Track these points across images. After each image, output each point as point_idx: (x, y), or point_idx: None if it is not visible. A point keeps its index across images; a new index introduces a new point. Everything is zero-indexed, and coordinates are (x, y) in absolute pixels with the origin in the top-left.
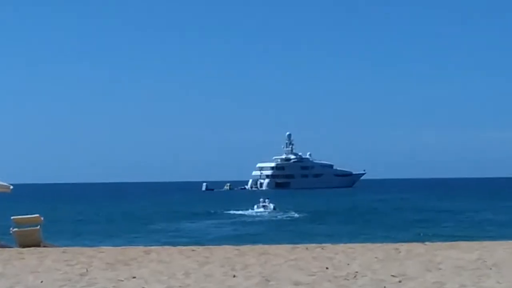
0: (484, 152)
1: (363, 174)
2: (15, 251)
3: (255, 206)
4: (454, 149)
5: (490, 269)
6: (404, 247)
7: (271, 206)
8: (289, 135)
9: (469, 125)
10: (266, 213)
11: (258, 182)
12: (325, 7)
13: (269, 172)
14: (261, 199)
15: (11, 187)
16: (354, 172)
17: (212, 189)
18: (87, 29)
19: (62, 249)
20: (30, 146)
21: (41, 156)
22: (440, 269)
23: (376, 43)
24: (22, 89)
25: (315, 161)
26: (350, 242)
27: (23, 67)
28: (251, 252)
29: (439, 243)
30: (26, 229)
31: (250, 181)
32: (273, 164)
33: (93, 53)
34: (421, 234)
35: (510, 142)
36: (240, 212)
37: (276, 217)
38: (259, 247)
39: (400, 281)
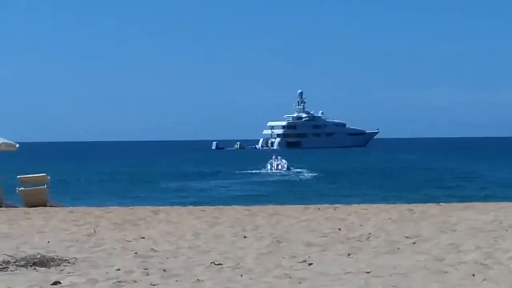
0: (502, 113)
1: (376, 133)
2: (21, 210)
3: (268, 164)
4: (471, 108)
5: (507, 230)
6: (418, 208)
7: (285, 164)
8: (301, 93)
9: (484, 85)
10: (281, 171)
11: (269, 141)
12: None
13: (280, 131)
14: (273, 156)
15: (17, 145)
16: (367, 131)
17: (223, 148)
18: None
19: (69, 209)
20: (36, 103)
21: (48, 114)
22: (455, 230)
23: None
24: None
25: (327, 120)
26: (363, 202)
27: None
28: (261, 213)
29: (454, 204)
30: (32, 188)
31: (261, 140)
32: (284, 123)
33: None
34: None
35: None
36: (250, 171)
37: (287, 176)
38: (270, 208)
39: (414, 243)
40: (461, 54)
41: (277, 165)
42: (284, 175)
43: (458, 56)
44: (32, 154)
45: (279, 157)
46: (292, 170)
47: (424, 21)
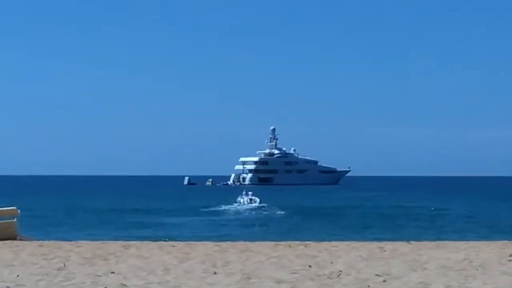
0: (471, 151)
1: (348, 171)
2: None
3: (239, 199)
4: (440, 147)
5: (477, 269)
6: (388, 246)
7: (257, 199)
8: (273, 130)
9: (454, 123)
10: (251, 207)
11: (241, 177)
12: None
13: (252, 167)
14: (243, 192)
15: None
16: (339, 169)
17: (195, 183)
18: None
19: (39, 242)
20: (5, 138)
21: (17, 147)
22: (425, 269)
23: (362, 36)
24: None
25: (299, 157)
26: (334, 240)
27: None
28: (232, 249)
29: (424, 242)
30: (2, 221)
31: (233, 175)
32: (256, 159)
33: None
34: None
35: (493, 142)
36: (222, 207)
37: (258, 213)
38: (241, 244)
39: (384, 281)
40: (432, 92)
41: (250, 200)
42: (255, 211)
43: (429, 94)
44: (2, 187)
45: (249, 193)
46: (263, 206)
47: (393, 59)
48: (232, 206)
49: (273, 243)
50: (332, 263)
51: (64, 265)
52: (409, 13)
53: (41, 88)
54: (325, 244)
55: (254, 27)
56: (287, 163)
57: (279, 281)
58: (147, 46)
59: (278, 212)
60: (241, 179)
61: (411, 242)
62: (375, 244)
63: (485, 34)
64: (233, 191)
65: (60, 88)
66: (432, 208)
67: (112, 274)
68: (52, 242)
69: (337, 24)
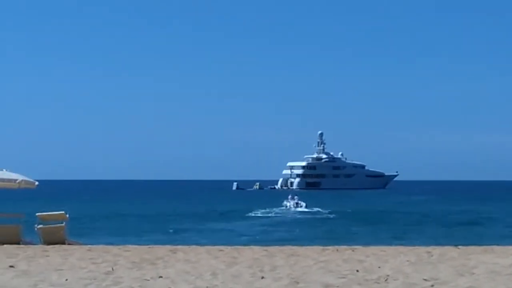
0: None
1: (396, 175)
2: (39, 248)
3: (286, 203)
4: (491, 151)
5: None
6: (436, 250)
7: (303, 203)
8: (321, 134)
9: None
10: (298, 210)
11: (289, 182)
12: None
13: (300, 171)
14: (289, 196)
15: (37, 183)
16: (386, 173)
17: (243, 189)
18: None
19: (87, 247)
20: (57, 143)
21: (69, 153)
22: (473, 273)
23: (408, 42)
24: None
25: (347, 161)
26: (382, 244)
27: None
28: (279, 253)
29: (472, 247)
30: (51, 226)
31: (281, 180)
32: (304, 163)
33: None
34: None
35: None
36: (271, 211)
37: (306, 217)
38: (288, 248)
39: (432, 285)
40: (480, 96)
41: (296, 204)
42: (302, 215)
43: (479, 99)
44: (51, 192)
45: (295, 197)
46: (310, 210)
47: (444, 63)
48: (279, 210)
49: (321, 247)
50: (379, 267)
51: (112, 269)
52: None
53: (67, 89)
54: (372, 249)
55: (304, 32)
56: (335, 168)
57: (326, 286)
58: (206, 48)
59: (326, 216)
60: (288, 184)
61: (459, 246)
62: (423, 248)
63: None
64: (280, 195)
65: (89, 90)
66: (479, 213)
67: (160, 279)
68: (100, 247)
69: (384, 23)
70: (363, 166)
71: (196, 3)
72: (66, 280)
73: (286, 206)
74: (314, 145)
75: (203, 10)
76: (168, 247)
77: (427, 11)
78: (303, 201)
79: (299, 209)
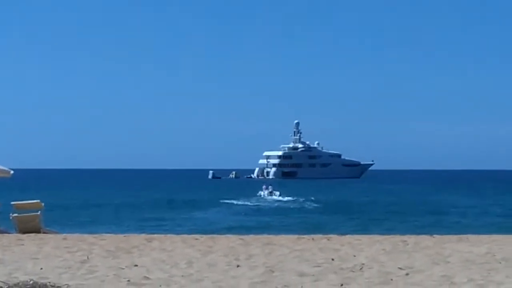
0: (497, 146)
1: (371, 164)
2: (14, 237)
3: (260, 192)
4: (464, 141)
5: (500, 263)
6: (411, 239)
7: (277, 192)
8: (297, 124)
9: (478, 118)
10: (273, 199)
11: (265, 171)
12: None
13: (276, 161)
14: (264, 186)
15: (12, 171)
16: (362, 162)
17: (219, 177)
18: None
19: (62, 235)
20: (32, 131)
21: (42, 141)
22: (448, 262)
23: (394, 26)
24: (21, 73)
25: (323, 151)
26: (357, 233)
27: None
28: (255, 242)
29: (447, 236)
30: (26, 214)
31: (257, 169)
32: (280, 153)
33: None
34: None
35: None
36: (245, 200)
37: (281, 206)
38: (264, 237)
39: (407, 274)
40: (456, 88)
41: (270, 193)
42: (278, 204)
43: (453, 90)
44: (26, 181)
45: (270, 186)
46: (284, 199)
47: (420, 55)
48: (253, 199)
49: (296, 236)
50: (354, 256)
51: (88, 258)
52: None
53: (52, 85)
54: (348, 238)
55: (277, 19)
56: (311, 157)
57: (302, 274)
58: (171, 43)
59: (301, 206)
60: (265, 173)
61: (434, 235)
62: (398, 237)
63: None
64: (256, 185)
65: (73, 83)
66: (453, 202)
67: (135, 267)
68: (75, 235)
69: (365, 17)
70: (339, 155)
71: None
72: (41, 269)
73: (261, 195)
74: (290, 135)
75: None
76: (144, 235)
77: None
78: (278, 191)
79: (273, 197)
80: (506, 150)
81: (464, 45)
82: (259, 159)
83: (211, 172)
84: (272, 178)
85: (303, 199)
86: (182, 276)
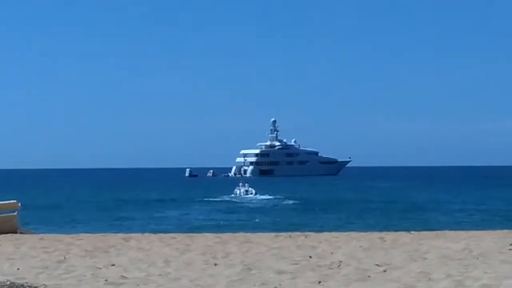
0: (476, 142)
1: (348, 161)
2: None
3: (236, 190)
4: (441, 137)
5: (477, 258)
6: (389, 236)
7: (253, 190)
8: (274, 122)
9: (456, 115)
10: (249, 197)
11: (242, 169)
12: None
13: (253, 159)
14: (240, 184)
15: None
16: (339, 160)
17: (196, 175)
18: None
19: (39, 236)
20: (7, 132)
21: (20, 140)
22: (425, 258)
23: (366, 24)
24: None
25: (300, 148)
26: (334, 230)
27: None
28: (232, 240)
29: (425, 232)
30: (2, 215)
31: (234, 168)
32: (257, 151)
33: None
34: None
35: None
36: (222, 198)
37: (258, 204)
38: (241, 235)
39: (385, 271)
40: (432, 86)
41: (245, 191)
42: (255, 202)
43: (429, 88)
44: (3, 181)
45: (246, 184)
46: (260, 197)
47: (398, 53)
48: (228, 197)
49: (274, 234)
50: (332, 253)
51: (65, 258)
52: (416, 7)
53: (40, 86)
54: (325, 235)
55: (252, 19)
56: (288, 155)
57: (279, 272)
58: (143, 44)
59: (279, 203)
60: (242, 171)
61: (412, 232)
62: (376, 234)
63: None
64: (233, 183)
65: (62, 85)
66: (429, 198)
67: (113, 267)
68: (52, 235)
69: (338, 15)
70: (316, 153)
71: None
72: (18, 269)
73: (236, 194)
74: (267, 133)
75: None
76: (121, 235)
77: None
78: (255, 189)
79: (248, 196)
80: (485, 146)
81: (436, 43)
82: (237, 158)
83: (187, 170)
84: (249, 176)
85: (281, 196)
86: (160, 275)
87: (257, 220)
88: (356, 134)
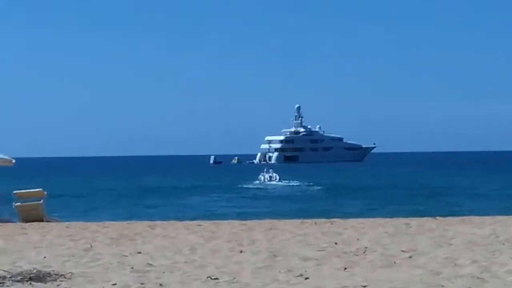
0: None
1: (373, 147)
2: (17, 226)
3: (260, 176)
4: (468, 122)
5: (503, 244)
6: (414, 222)
7: (277, 177)
8: (299, 108)
9: (481, 98)
10: (273, 184)
11: (267, 156)
12: None
13: (278, 146)
14: (264, 170)
15: (14, 160)
16: (364, 146)
17: (220, 162)
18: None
19: (65, 224)
20: (35, 120)
21: (45, 130)
22: (451, 244)
23: (394, 15)
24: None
25: (324, 134)
26: (360, 216)
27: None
28: (258, 227)
29: (450, 218)
30: (29, 203)
31: (259, 154)
32: (282, 137)
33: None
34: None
35: None
36: (247, 185)
37: (284, 191)
38: (267, 222)
39: (410, 257)
40: (459, 67)
41: (270, 177)
42: (280, 189)
43: (455, 70)
44: (29, 169)
45: (270, 170)
46: (284, 183)
47: (420, 34)
48: (253, 184)
49: (299, 220)
50: (358, 240)
51: (91, 246)
52: None
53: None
54: (351, 221)
55: (277, 5)
56: (313, 141)
57: (305, 259)
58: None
59: (304, 190)
60: (267, 158)
61: (437, 217)
62: (401, 220)
63: None
64: (258, 170)
65: (85, 71)
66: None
67: (139, 254)
68: (78, 223)
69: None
70: (340, 139)
71: None
72: (45, 257)
73: (261, 180)
74: (291, 119)
75: None
76: (147, 222)
77: None
78: (280, 175)
79: (272, 182)
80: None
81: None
82: (261, 144)
83: (212, 157)
84: (274, 163)
85: (306, 183)
86: (186, 262)
87: (282, 207)
88: (381, 120)
